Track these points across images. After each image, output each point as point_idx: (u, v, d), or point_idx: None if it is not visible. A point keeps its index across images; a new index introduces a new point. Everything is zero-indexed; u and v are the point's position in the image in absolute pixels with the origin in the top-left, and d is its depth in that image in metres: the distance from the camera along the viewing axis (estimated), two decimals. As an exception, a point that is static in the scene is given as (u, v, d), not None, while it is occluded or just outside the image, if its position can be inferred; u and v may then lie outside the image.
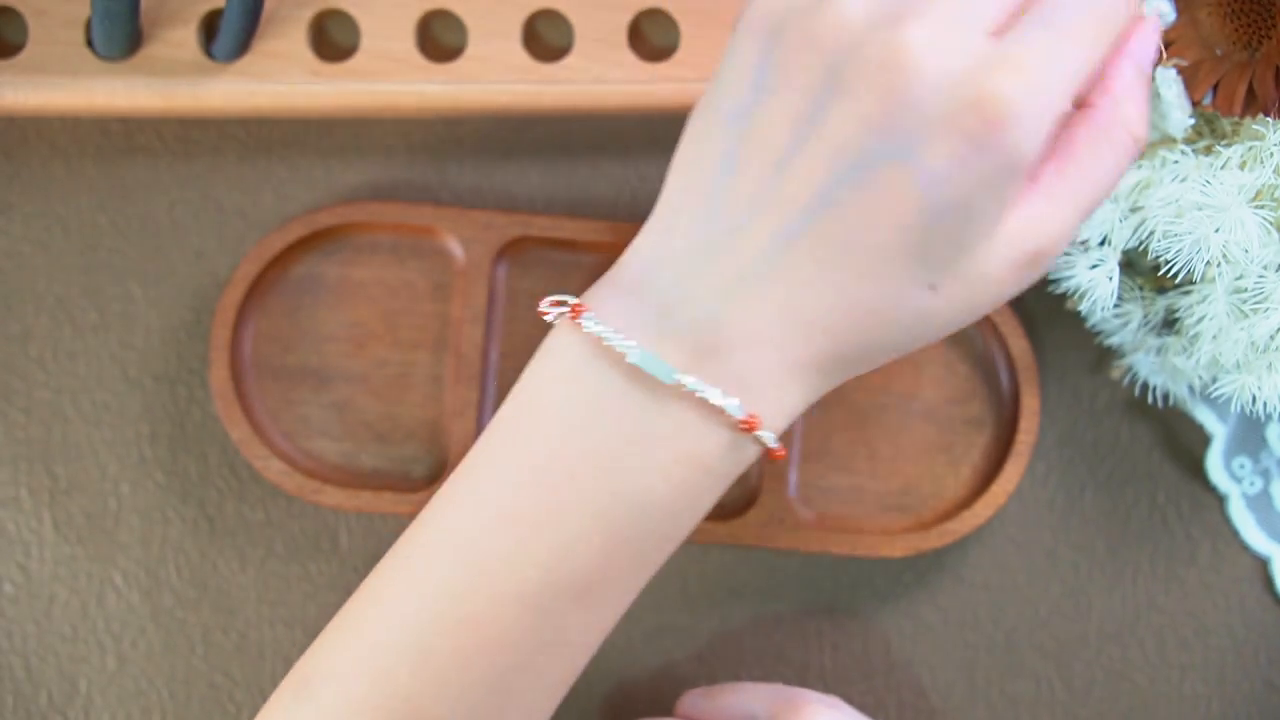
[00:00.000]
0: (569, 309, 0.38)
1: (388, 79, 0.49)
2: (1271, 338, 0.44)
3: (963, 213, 0.37)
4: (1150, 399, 0.51)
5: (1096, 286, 0.45)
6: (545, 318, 0.39)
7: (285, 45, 0.49)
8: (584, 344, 0.38)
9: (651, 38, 0.50)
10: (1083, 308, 0.46)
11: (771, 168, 0.37)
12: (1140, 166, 0.44)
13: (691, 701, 0.49)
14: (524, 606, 0.38)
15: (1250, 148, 0.43)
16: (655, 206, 0.40)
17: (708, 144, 0.39)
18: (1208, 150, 0.44)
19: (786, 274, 0.37)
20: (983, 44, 0.36)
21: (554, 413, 0.38)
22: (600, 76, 0.48)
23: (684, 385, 0.37)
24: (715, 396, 0.37)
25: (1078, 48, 0.37)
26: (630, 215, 0.51)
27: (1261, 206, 0.43)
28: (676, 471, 0.38)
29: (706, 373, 0.37)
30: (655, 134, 0.51)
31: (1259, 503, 0.51)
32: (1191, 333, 0.45)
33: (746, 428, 0.37)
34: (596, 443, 0.38)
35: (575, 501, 0.38)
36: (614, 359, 0.38)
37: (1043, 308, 0.50)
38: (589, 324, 0.38)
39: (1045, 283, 0.48)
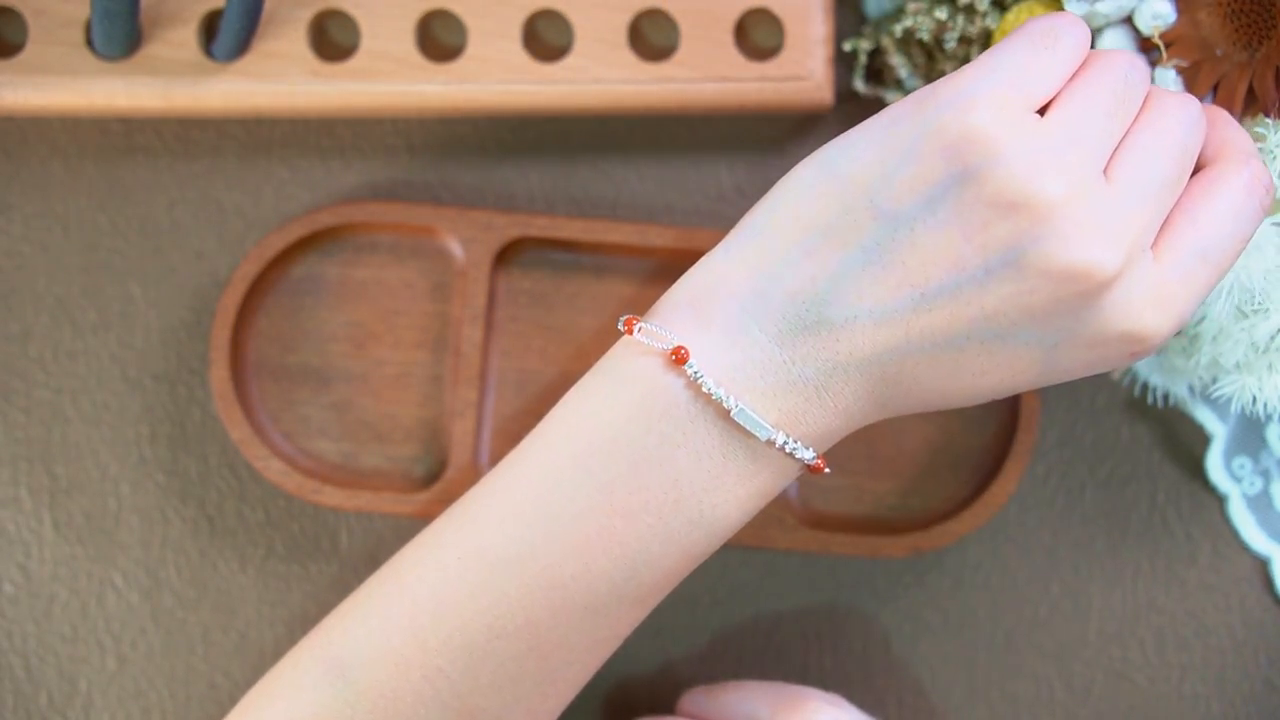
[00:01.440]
0: (672, 351, 0.38)
1: (388, 79, 0.49)
2: (1272, 338, 0.44)
3: (1072, 377, 0.39)
4: (1150, 399, 0.51)
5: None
6: (641, 345, 0.39)
7: (285, 45, 0.49)
8: (681, 388, 0.39)
9: (651, 38, 0.50)
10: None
11: (914, 291, 0.37)
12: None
13: (693, 700, 0.49)
14: (587, 614, 0.40)
15: (1250, 148, 0.43)
16: (747, 230, 0.39)
17: (846, 220, 0.38)
18: (1208, 150, 0.44)
19: (887, 376, 0.39)
20: (1152, 272, 0.38)
21: (635, 446, 0.39)
22: (600, 76, 0.48)
23: (776, 441, 0.39)
24: (801, 452, 0.39)
25: (1222, 273, 0.39)
26: (630, 215, 0.51)
27: (1262, 207, 0.43)
28: (750, 502, 0.40)
29: (793, 429, 0.39)
30: (655, 134, 0.51)
31: (1259, 503, 0.51)
32: (1191, 333, 0.45)
33: (815, 469, 0.40)
34: (678, 477, 0.39)
35: (651, 528, 0.39)
36: (711, 404, 0.39)
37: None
38: (694, 372, 0.38)
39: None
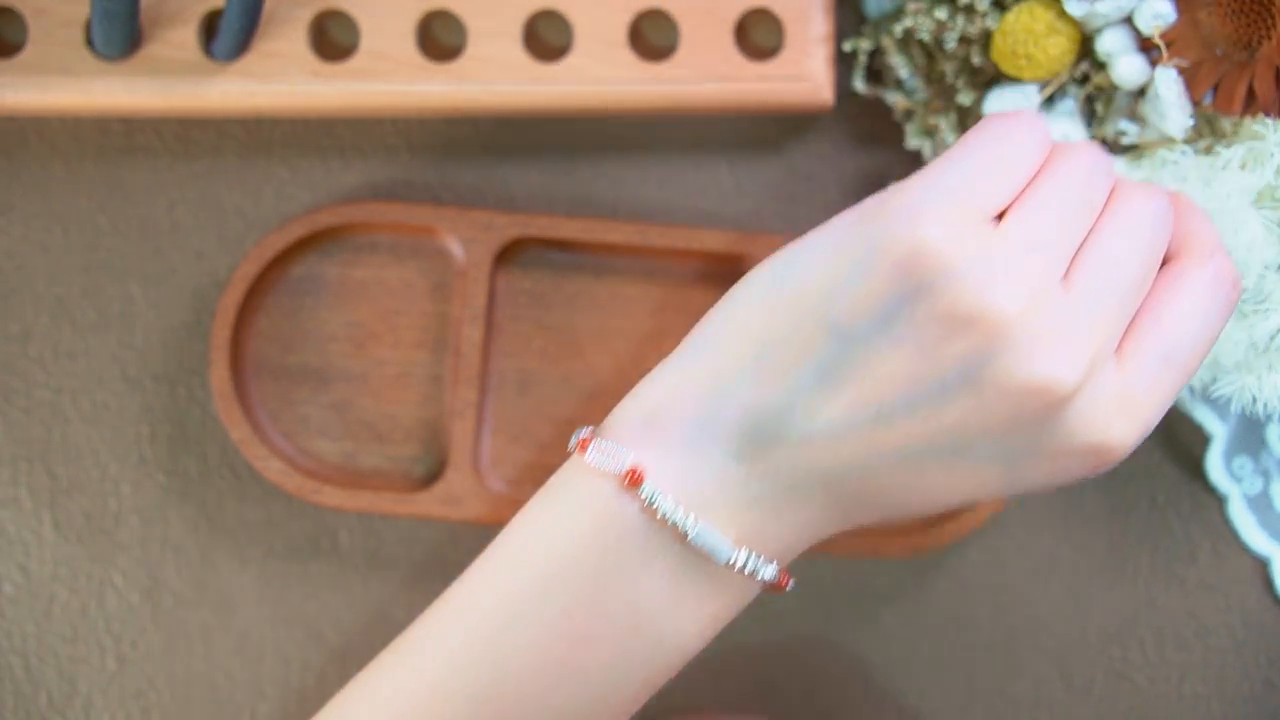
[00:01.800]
0: (626, 474, 0.37)
1: (388, 79, 0.49)
2: (1271, 338, 0.44)
3: (1036, 489, 0.38)
4: (1150, 399, 0.51)
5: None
6: (593, 468, 0.38)
7: (285, 45, 0.49)
8: (637, 512, 0.37)
9: (651, 38, 0.50)
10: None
11: (871, 409, 0.36)
12: (1140, 166, 0.44)
13: None
14: None
15: (1250, 148, 0.43)
16: (697, 344, 0.38)
17: (798, 337, 0.37)
18: (1208, 150, 0.44)
19: (847, 490, 0.38)
20: (1116, 381, 0.36)
21: (591, 575, 0.38)
22: (600, 76, 0.48)
23: (736, 563, 0.38)
24: (763, 570, 0.38)
25: (1189, 375, 0.38)
26: (630, 215, 0.51)
27: (1263, 208, 0.43)
28: (712, 624, 0.39)
29: (754, 546, 0.38)
30: (655, 134, 0.51)
31: (1259, 503, 0.51)
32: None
33: (778, 586, 0.39)
34: (636, 603, 0.38)
35: (610, 657, 0.38)
36: (668, 528, 0.37)
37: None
38: (649, 495, 0.37)
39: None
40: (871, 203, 0.37)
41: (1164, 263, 0.38)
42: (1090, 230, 0.37)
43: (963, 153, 0.37)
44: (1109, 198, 0.38)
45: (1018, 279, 0.35)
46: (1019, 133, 0.37)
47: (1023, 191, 0.37)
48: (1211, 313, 0.38)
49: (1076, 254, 0.37)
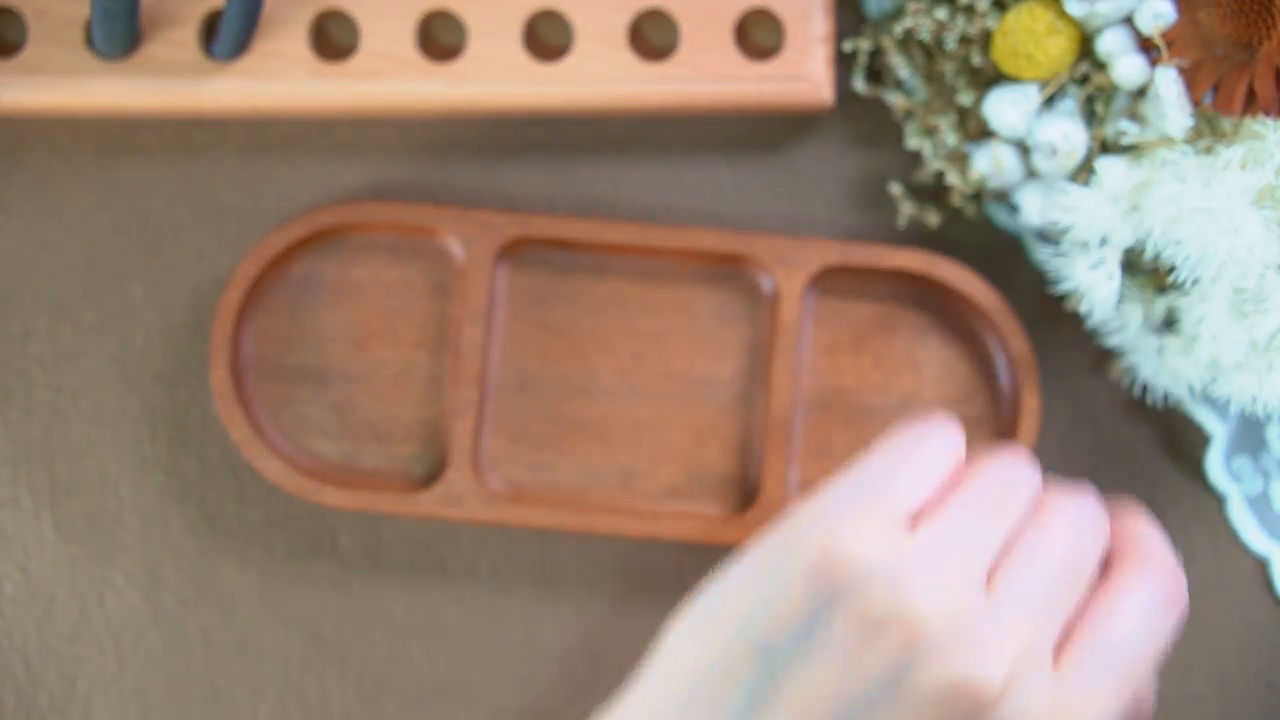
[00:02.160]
0: None
1: (388, 79, 0.49)
2: (1271, 338, 0.44)
3: None
4: (1150, 399, 0.51)
5: (1096, 286, 0.45)
6: None
7: (285, 45, 0.49)
8: None
9: (651, 38, 0.50)
10: (1083, 308, 0.46)
11: None
12: (1140, 166, 0.44)
13: None
14: None
15: (1250, 148, 0.43)
16: (638, 685, 0.37)
17: (726, 662, 0.36)
18: (1208, 150, 0.44)
19: None
20: (1050, 685, 0.36)
21: None
22: (600, 76, 0.48)
23: None
24: None
25: (1133, 683, 0.37)
26: (630, 215, 0.51)
27: (1263, 208, 0.43)
28: None
29: None
30: (655, 134, 0.51)
31: (1259, 503, 0.51)
32: (1191, 333, 0.45)
33: None
34: None
35: None
36: None
37: (1043, 308, 0.50)
38: None
39: (1045, 282, 0.48)
40: (788, 516, 0.37)
41: (1107, 565, 0.38)
42: (1012, 538, 0.37)
43: (874, 458, 0.37)
44: (1036, 506, 0.38)
45: (933, 580, 0.35)
46: (931, 439, 0.37)
47: (937, 496, 0.37)
48: (1154, 619, 0.38)
49: (998, 560, 0.36)
